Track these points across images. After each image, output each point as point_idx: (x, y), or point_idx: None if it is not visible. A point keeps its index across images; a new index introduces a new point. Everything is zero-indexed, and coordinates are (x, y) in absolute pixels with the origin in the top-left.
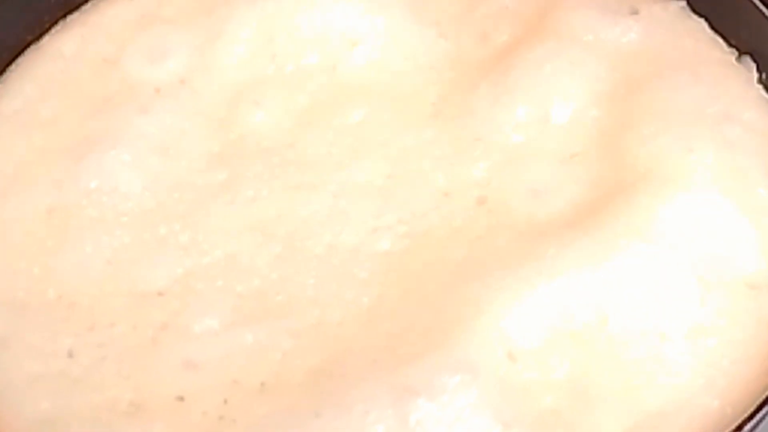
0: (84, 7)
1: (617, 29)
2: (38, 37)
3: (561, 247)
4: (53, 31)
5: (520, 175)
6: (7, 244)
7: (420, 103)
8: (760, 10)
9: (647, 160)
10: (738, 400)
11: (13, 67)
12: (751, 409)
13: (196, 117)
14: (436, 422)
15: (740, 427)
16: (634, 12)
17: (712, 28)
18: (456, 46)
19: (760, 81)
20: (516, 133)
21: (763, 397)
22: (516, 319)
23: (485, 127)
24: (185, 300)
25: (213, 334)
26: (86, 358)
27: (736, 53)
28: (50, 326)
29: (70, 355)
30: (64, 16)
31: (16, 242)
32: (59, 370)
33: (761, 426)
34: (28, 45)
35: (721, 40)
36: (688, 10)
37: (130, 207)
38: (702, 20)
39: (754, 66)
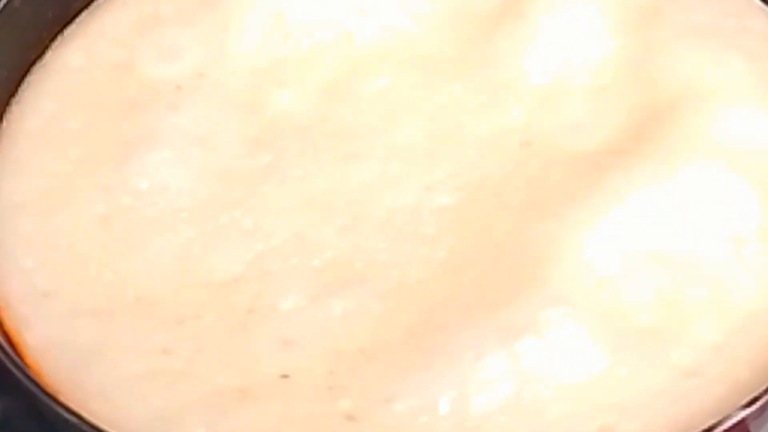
0: (79, 18)
1: None
2: (41, 54)
3: (624, 173)
4: (53, 46)
5: (556, 114)
6: (72, 254)
7: (441, 60)
8: None
9: (680, 79)
10: None
11: (24, 86)
12: None
13: (224, 106)
14: (548, 357)
15: None
16: None
17: None
18: (463, 1)
19: None
20: (542, 75)
21: None
22: (596, 248)
23: (511, 73)
24: (264, 282)
25: (301, 309)
26: (183, 351)
27: None
28: (139, 327)
29: (165, 351)
30: (62, 30)
31: (80, 252)
32: (160, 366)
33: None
34: (33, 63)
35: None
36: None
37: (186, 202)
38: None
39: None
